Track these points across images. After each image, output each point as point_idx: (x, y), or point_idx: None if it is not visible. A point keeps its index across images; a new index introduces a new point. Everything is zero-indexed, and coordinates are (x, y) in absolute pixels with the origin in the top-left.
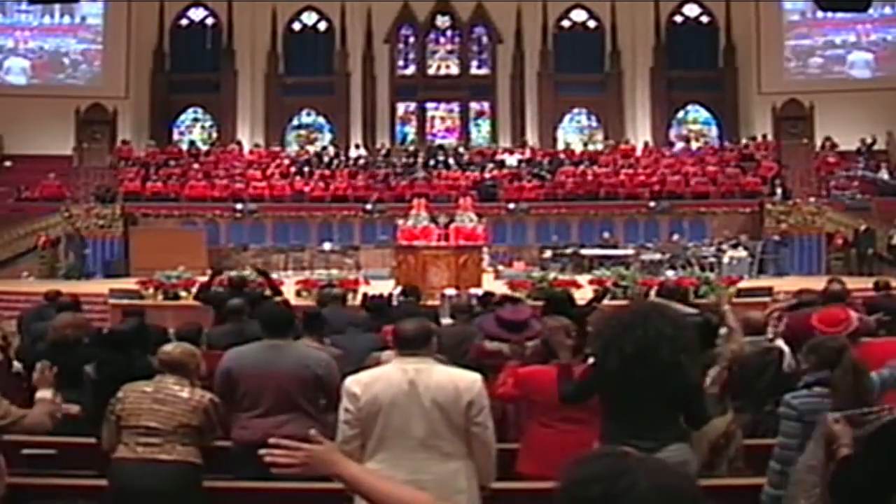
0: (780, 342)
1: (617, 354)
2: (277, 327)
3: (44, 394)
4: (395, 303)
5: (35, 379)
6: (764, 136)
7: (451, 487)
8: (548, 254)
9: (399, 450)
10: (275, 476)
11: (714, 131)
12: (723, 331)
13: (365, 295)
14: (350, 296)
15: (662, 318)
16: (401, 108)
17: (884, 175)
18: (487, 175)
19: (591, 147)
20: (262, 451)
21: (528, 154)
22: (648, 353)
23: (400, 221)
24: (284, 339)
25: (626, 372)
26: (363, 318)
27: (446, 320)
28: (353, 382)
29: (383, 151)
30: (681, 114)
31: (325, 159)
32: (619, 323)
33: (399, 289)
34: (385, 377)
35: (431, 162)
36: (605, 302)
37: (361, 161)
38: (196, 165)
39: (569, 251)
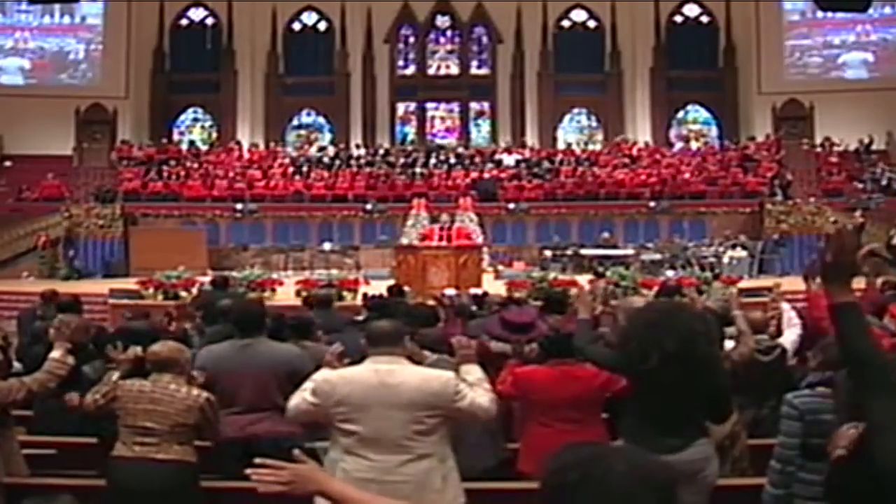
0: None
1: (657, 352)
2: (248, 325)
3: (55, 353)
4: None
5: (51, 335)
6: (767, 136)
7: (426, 487)
8: (548, 254)
9: (373, 450)
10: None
11: (714, 131)
12: (731, 330)
13: (365, 295)
14: (350, 296)
15: (690, 314)
16: (401, 108)
17: None
18: (487, 175)
19: (591, 147)
20: (248, 471)
21: (527, 154)
22: (688, 349)
23: (403, 238)
24: (256, 336)
25: (666, 370)
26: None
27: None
28: (324, 381)
29: (383, 151)
30: (681, 114)
31: (326, 159)
32: (651, 321)
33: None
34: (357, 377)
35: (432, 162)
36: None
37: (361, 161)
38: (196, 165)
39: (569, 251)
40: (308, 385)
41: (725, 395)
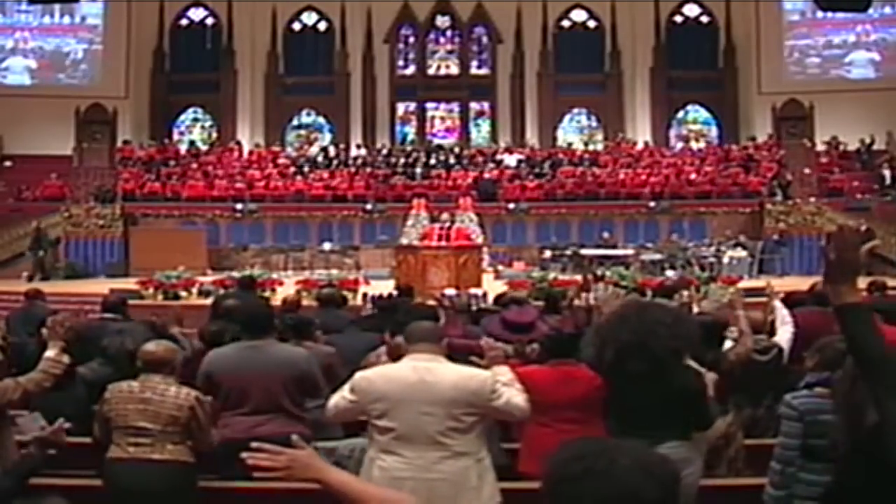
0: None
1: (613, 345)
2: (256, 327)
3: (49, 352)
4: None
5: (45, 334)
6: (769, 136)
7: (463, 485)
8: (547, 254)
9: (410, 448)
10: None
11: (714, 131)
12: (733, 333)
13: (366, 294)
14: (350, 296)
15: (662, 310)
16: (401, 108)
17: None
18: (487, 175)
19: (591, 147)
20: (244, 454)
21: (527, 154)
22: (646, 342)
23: (403, 238)
24: (263, 338)
25: (622, 363)
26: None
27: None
28: (361, 378)
29: (384, 151)
30: (681, 114)
31: (321, 158)
32: (615, 316)
33: (394, 290)
34: (396, 374)
35: (432, 161)
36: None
37: (361, 161)
38: (195, 165)
39: (569, 251)
40: (346, 384)
41: (700, 404)
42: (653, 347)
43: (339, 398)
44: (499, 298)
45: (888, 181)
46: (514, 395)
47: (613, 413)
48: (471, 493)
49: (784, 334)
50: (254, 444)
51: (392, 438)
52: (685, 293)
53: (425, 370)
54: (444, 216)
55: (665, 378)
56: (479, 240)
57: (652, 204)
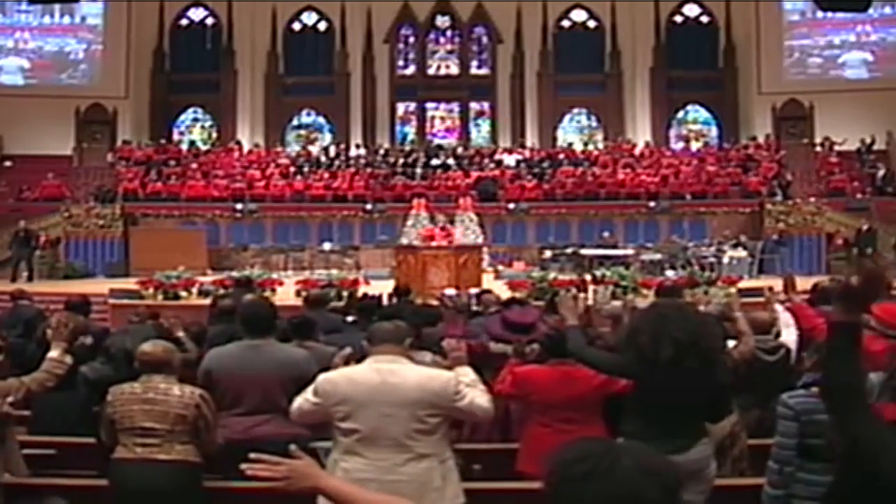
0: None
1: (670, 343)
2: (257, 327)
3: (52, 352)
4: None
5: (49, 334)
6: (767, 136)
7: (427, 487)
8: (547, 254)
9: (374, 450)
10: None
11: (714, 131)
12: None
13: (352, 294)
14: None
15: (690, 309)
16: (401, 108)
17: None
18: (487, 175)
19: (590, 147)
20: (243, 466)
21: (527, 154)
22: (698, 339)
23: (403, 238)
24: (265, 338)
25: (679, 362)
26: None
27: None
28: (325, 380)
29: (382, 151)
30: (681, 114)
31: (322, 158)
32: (659, 315)
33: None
34: (359, 376)
35: (432, 162)
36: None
37: (361, 161)
38: (195, 165)
39: (569, 251)
40: (310, 386)
41: (726, 393)
42: (702, 345)
43: (303, 401)
44: (479, 297)
45: (878, 181)
46: (477, 396)
47: (647, 416)
48: (434, 494)
49: (789, 335)
50: (252, 455)
51: (356, 440)
52: (693, 292)
53: (389, 371)
54: (439, 217)
55: (714, 372)
56: (479, 240)
57: (652, 204)
